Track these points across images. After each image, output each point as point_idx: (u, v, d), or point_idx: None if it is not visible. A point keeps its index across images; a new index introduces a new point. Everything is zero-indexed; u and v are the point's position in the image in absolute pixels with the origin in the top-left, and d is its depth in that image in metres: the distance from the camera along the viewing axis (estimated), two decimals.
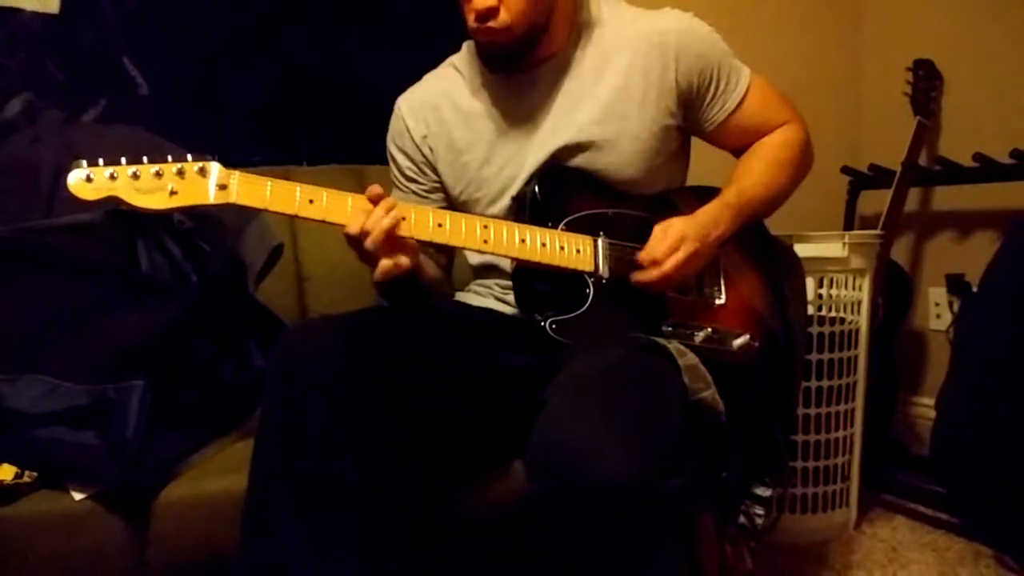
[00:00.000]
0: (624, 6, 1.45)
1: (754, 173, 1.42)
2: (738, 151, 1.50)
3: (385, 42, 2.12)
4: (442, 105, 1.46)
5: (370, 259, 1.18)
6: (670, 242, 1.28)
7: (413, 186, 1.50)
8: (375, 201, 1.17)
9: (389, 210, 1.16)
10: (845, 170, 2.59)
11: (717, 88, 1.41)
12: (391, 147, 1.52)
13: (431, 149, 1.46)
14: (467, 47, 1.48)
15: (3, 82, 1.78)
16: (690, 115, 1.43)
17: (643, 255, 1.30)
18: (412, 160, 1.49)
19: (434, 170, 1.48)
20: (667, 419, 1.09)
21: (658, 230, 1.31)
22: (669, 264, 1.28)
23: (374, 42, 2.12)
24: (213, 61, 1.99)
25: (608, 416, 1.03)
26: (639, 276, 1.30)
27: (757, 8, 2.51)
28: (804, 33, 2.61)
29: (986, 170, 2.22)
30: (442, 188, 1.49)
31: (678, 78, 1.38)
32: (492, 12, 1.28)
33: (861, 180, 2.58)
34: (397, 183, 1.53)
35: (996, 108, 2.32)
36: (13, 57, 1.79)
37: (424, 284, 1.35)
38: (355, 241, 1.16)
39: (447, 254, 1.51)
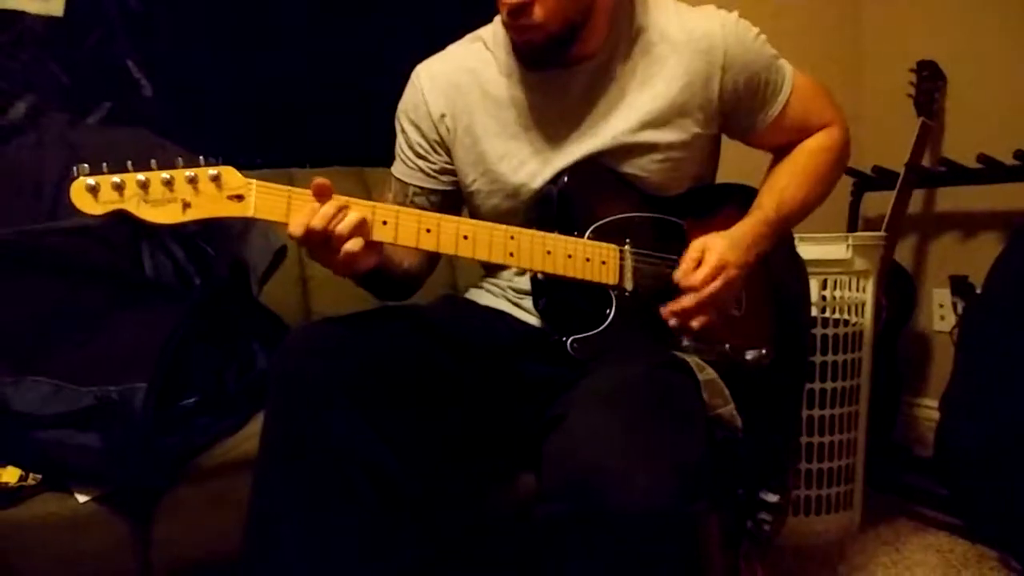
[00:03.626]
0: (667, 3, 1.37)
1: (795, 185, 1.37)
2: (777, 150, 1.45)
3: (390, 42, 2.11)
4: (466, 83, 1.36)
5: (337, 262, 1.11)
6: (709, 269, 1.22)
7: (422, 163, 1.40)
8: (322, 192, 1.08)
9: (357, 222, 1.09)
10: (849, 171, 2.57)
11: (762, 96, 1.36)
12: (402, 118, 1.41)
13: (448, 129, 1.37)
14: (499, 23, 1.36)
15: (7, 85, 1.78)
16: (730, 122, 1.38)
17: (680, 279, 1.24)
18: (425, 137, 1.39)
19: (447, 151, 1.39)
20: (691, 441, 1.06)
21: (695, 250, 1.25)
22: (708, 291, 1.22)
23: (378, 43, 2.12)
24: (216, 63, 1.99)
25: (632, 437, 1.00)
26: (673, 307, 1.23)
27: (758, 9, 2.49)
28: (806, 34, 2.60)
29: (990, 171, 2.21)
30: (453, 171, 1.40)
31: (722, 89, 1.32)
32: (525, 8, 1.19)
33: (865, 181, 2.58)
34: (403, 157, 1.42)
35: (1000, 109, 2.31)
36: (17, 60, 1.79)
37: (396, 275, 1.30)
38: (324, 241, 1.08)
39: None
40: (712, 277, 1.22)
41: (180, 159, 1.02)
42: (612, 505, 0.95)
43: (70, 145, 1.51)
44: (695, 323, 1.24)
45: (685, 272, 1.24)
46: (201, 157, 1.03)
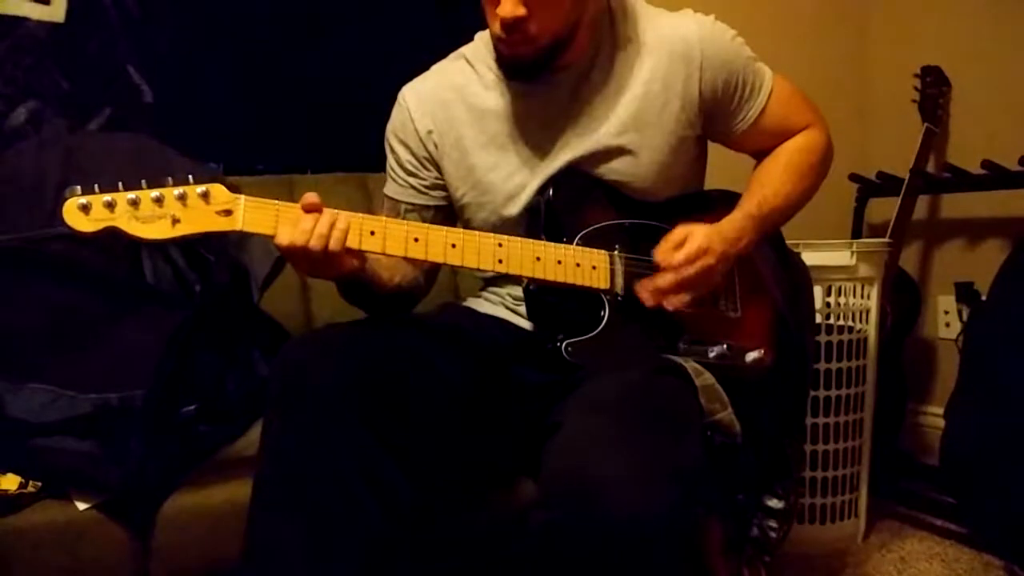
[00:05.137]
0: (644, 7, 1.39)
1: (776, 182, 1.38)
2: (758, 154, 1.46)
3: (389, 48, 2.11)
4: (452, 100, 1.39)
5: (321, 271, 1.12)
6: (689, 251, 1.24)
7: (412, 180, 1.42)
8: (312, 210, 1.09)
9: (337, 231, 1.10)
10: (853, 177, 2.57)
11: (741, 96, 1.37)
12: (391, 138, 1.44)
13: (436, 145, 1.39)
14: (480, 39, 1.41)
15: (8, 90, 1.78)
16: (711, 124, 1.39)
17: (660, 258, 1.25)
18: (414, 154, 1.41)
19: (437, 167, 1.41)
20: (686, 447, 1.07)
21: (678, 233, 1.26)
22: (686, 273, 1.23)
23: (378, 49, 2.11)
24: (217, 69, 1.99)
25: (627, 445, 1.01)
26: (648, 285, 1.25)
27: (763, 15, 2.50)
28: (810, 39, 2.60)
29: (995, 177, 2.21)
30: (444, 186, 1.42)
31: (702, 89, 1.33)
32: (520, 23, 1.19)
33: (869, 187, 2.57)
34: (394, 176, 1.44)
35: (1005, 114, 2.31)
36: (18, 66, 1.79)
37: (387, 289, 1.29)
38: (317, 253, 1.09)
39: None
40: (692, 259, 1.24)
41: (170, 178, 1.05)
42: (607, 512, 0.96)
43: (70, 151, 1.50)
44: (670, 304, 1.26)
45: (665, 252, 1.25)
46: (190, 176, 1.05)
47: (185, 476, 1.32)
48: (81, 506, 1.24)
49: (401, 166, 1.43)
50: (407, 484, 1.10)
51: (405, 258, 1.32)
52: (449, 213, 1.44)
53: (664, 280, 1.24)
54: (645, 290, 1.26)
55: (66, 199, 1.01)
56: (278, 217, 1.08)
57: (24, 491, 1.23)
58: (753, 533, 1.45)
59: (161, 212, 1.04)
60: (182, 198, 1.04)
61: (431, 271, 1.43)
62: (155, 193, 1.03)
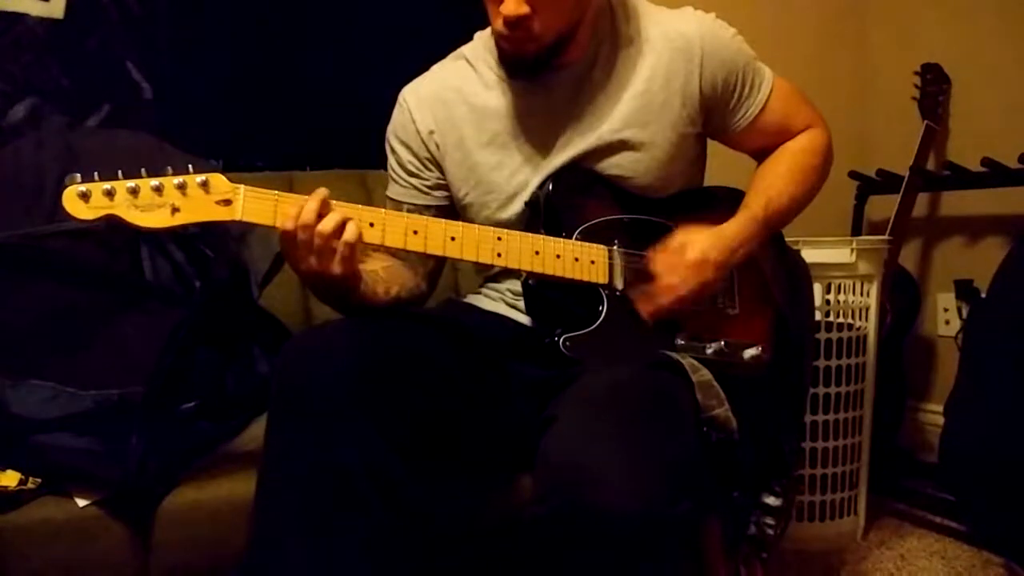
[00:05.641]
0: (645, 5, 1.39)
1: (780, 183, 1.38)
2: (759, 154, 1.46)
3: (388, 45, 2.11)
4: (452, 100, 1.39)
5: (318, 263, 1.11)
6: (688, 260, 1.25)
7: (414, 181, 1.42)
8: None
9: (338, 225, 1.10)
10: (853, 175, 2.57)
11: (741, 94, 1.38)
12: (392, 139, 1.44)
13: (437, 145, 1.39)
14: (480, 39, 1.42)
15: (7, 87, 1.78)
16: (712, 121, 1.39)
17: (657, 270, 1.26)
18: (415, 155, 1.41)
19: (438, 167, 1.41)
20: (680, 442, 1.07)
21: (676, 241, 1.27)
22: (680, 290, 1.25)
23: (377, 45, 2.11)
24: (216, 65, 1.99)
25: (619, 439, 1.01)
26: (650, 305, 1.26)
27: (763, 13, 2.50)
28: (811, 37, 2.61)
29: (995, 175, 2.21)
30: (446, 186, 1.42)
31: (702, 85, 1.34)
32: (524, 20, 1.20)
33: (869, 185, 2.57)
34: (396, 177, 1.44)
35: (1004, 112, 2.31)
36: (17, 62, 1.79)
37: (380, 303, 1.27)
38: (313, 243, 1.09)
39: (436, 259, 1.41)
40: (688, 270, 1.25)
41: (170, 168, 1.05)
42: (599, 506, 0.96)
43: (70, 147, 1.50)
44: (663, 316, 1.28)
45: (661, 261, 1.26)
46: (191, 166, 1.06)
47: (185, 472, 1.32)
48: (81, 503, 1.24)
49: (403, 167, 1.43)
50: (409, 479, 1.10)
51: (405, 264, 1.35)
52: (451, 213, 1.44)
53: (664, 300, 1.26)
54: (640, 300, 1.27)
55: (66, 187, 1.01)
56: (277, 207, 1.09)
57: (24, 487, 1.24)
58: (750, 531, 1.45)
59: (160, 201, 1.04)
60: (181, 187, 1.05)
61: (433, 275, 1.44)
62: (155, 182, 1.04)
